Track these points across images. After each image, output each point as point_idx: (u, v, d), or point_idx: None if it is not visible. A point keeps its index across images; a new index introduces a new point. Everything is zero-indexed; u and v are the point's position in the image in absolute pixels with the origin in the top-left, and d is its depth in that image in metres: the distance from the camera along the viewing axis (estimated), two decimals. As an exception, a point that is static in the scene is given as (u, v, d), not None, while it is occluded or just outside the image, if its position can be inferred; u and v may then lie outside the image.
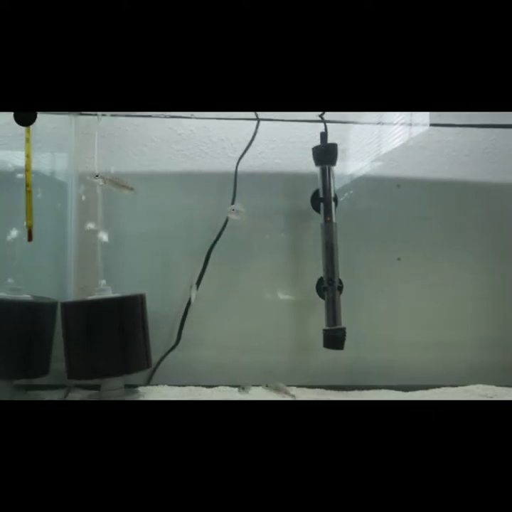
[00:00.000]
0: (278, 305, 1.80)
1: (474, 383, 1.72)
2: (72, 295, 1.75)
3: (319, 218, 1.68)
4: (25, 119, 1.45)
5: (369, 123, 1.84)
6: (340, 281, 1.66)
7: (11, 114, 1.45)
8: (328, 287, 1.64)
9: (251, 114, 1.74)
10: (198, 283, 1.76)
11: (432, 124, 1.82)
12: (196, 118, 1.79)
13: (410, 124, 1.83)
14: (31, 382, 1.66)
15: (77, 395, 1.62)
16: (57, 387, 1.67)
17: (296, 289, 1.80)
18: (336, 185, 1.70)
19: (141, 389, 1.66)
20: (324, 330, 1.63)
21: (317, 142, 1.71)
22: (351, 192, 1.83)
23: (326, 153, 1.68)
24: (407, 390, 1.66)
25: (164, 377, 1.73)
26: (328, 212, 1.65)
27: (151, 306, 1.64)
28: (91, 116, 1.73)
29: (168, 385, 1.69)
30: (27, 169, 1.46)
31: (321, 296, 1.66)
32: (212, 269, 1.77)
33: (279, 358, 1.76)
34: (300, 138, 1.82)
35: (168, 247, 1.80)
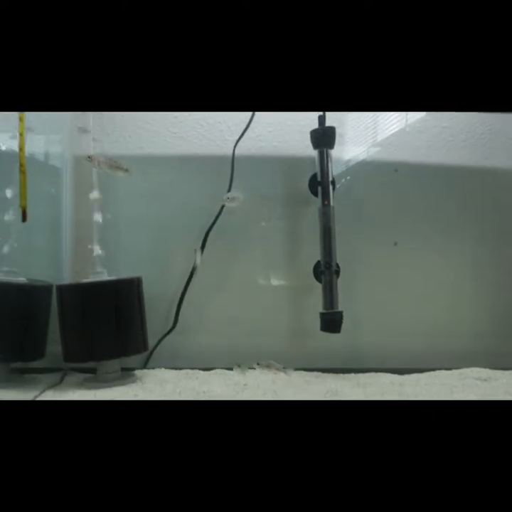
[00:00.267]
0: (275, 289, 1.80)
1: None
2: (67, 279, 1.74)
3: (317, 202, 1.68)
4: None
5: (367, 108, 1.84)
6: (338, 265, 1.66)
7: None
8: (326, 271, 1.64)
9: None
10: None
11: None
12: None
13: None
14: (27, 365, 1.66)
15: (73, 379, 1.62)
16: (53, 370, 1.67)
17: (293, 273, 1.80)
18: (333, 170, 1.70)
19: (137, 372, 1.65)
20: (321, 313, 1.63)
21: (315, 125, 1.70)
22: (348, 177, 1.83)
23: (324, 137, 1.67)
24: (403, 373, 1.67)
25: (161, 361, 1.73)
26: (325, 196, 1.65)
27: (147, 289, 1.63)
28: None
29: (165, 368, 1.69)
30: (20, 148, 1.44)
31: (318, 279, 1.66)
32: (208, 252, 1.76)
33: (276, 342, 1.76)
34: (298, 121, 1.80)
35: (165, 231, 1.79)
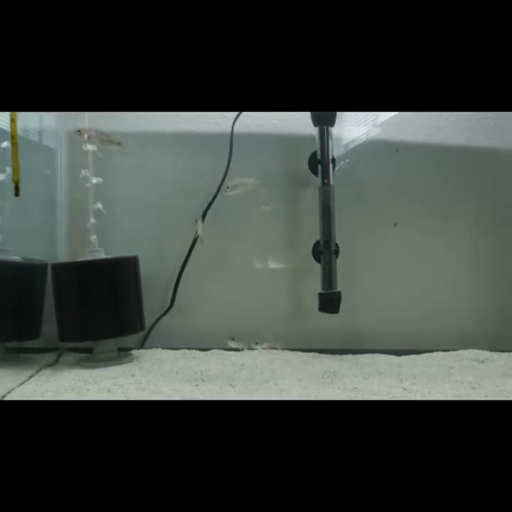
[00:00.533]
0: (273, 270, 1.79)
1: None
2: (63, 259, 1.72)
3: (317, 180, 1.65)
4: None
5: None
6: (337, 245, 1.64)
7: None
8: (325, 251, 1.62)
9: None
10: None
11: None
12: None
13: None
14: (22, 345, 1.65)
15: (70, 358, 1.61)
16: (49, 350, 1.66)
17: (292, 253, 1.78)
18: (333, 150, 1.67)
19: (134, 352, 1.64)
20: (320, 294, 1.62)
21: (315, 102, 1.66)
22: (347, 159, 1.79)
23: (324, 114, 1.64)
24: (400, 355, 1.67)
25: (158, 341, 1.72)
26: (325, 175, 1.62)
27: (144, 269, 1.61)
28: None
29: (162, 348, 1.68)
30: (12, 120, 1.39)
31: (317, 259, 1.65)
32: (205, 233, 1.73)
33: (274, 323, 1.76)
34: (298, 98, 1.76)
35: (161, 211, 1.76)
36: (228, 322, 1.73)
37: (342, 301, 1.62)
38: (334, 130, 1.68)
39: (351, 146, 1.82)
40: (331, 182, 1.63)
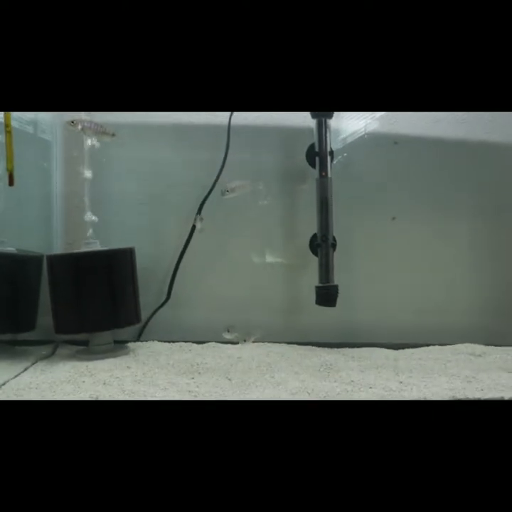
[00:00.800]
0: (270, 263, 1.78)
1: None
2: (59, 251, 1.70)
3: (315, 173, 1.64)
4: None
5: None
6: (334, 239, 1.63)
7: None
8: (322, 244, 1.61)
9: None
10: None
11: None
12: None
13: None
14: (17, 337, 1.64)
15: (66, 351, 1.60)
16: (44, 342, 1.65)
17: (289, 247, 1.77)
18: (332, 142, 1.65)
19: (130, 345, 1.64)
20: (317, 287, 1.61)
21: (314, 94, 1.64)
22: (345, 153, 1.78)
23: (322, 106, 1.62)
24: (397, 348, 1.67)
25: (154, 334, 1.72)
26: (323, 167, 1.61)
27: (141, 262, 1.60)
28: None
29: (158, 341, 1.68)
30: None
31: (315, 252, 1.64)
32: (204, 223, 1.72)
33: (271, 316, 1.75)
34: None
35: (158, 203, 1.75)
36: (225, 315, 1.72)
37: (339, 295, 1.61)
38: (332, 122, 1.67)
39: (349, 138, 1.81)
40: (329, 174, 1.62)
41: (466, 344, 1.72)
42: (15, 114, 1.48)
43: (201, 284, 1.76)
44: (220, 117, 1.73)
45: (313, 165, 1.65)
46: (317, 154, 1.62)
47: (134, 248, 1.58)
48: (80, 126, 1.45)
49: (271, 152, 1.76)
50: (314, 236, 1.65)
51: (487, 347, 1.69)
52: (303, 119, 1.71)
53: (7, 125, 1.38)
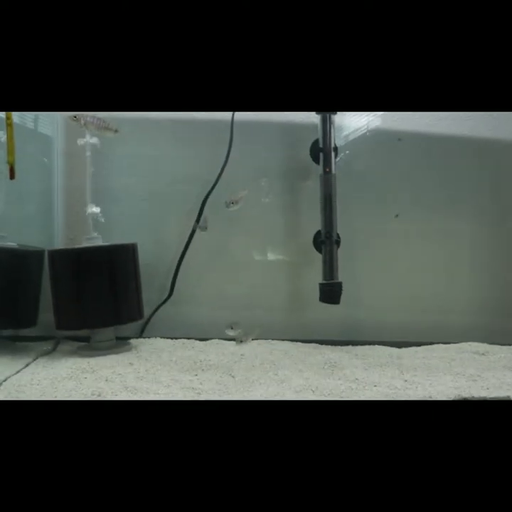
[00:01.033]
0: (274, 260, 1.77)
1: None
2: (60, 246, 1.69)
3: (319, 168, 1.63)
4: None
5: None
6: (338, 235, 1.62)
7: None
8: (326, 241, 1.60)
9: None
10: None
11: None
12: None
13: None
14: (18, 333, 1.63)
15: (67, 347, 1.59)
16: (45, 338, 1.64)
17: (292, 243, 1.76)
18: (335, 138, 1.64)
19: (133, 341, 1.63)
20: (321, 284, 1.60)
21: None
22: (350, 146, 1.77)
23: (327, 101, 1.61)
24: (400, 347, 1.66)
25: (157, 330, 1.70)
26: (327, 163, 1.60)
27: (143, 258, 1.59)
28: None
29: (161, 338, 1.66)
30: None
31: (318, 249, 1.63)
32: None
33: (274, 313, 1.74)
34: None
35: (160, 199, 1.74)
36: (228, 312, 1.71)
37: (343, 292, 1.60)
38: (336, 118, 1.65)
39: (353, 135, 1.80)
40: (333, 171, 1.61)
41: (470, 343, 1.70)
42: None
43: (204, 281, 1.76)
44: (223, 112, 1.72)
45: (317, 160, 1.63)
46: (321, 150, 1.61)
47: (136, 244, 1.57)
48: (82, 121, 1.43)
49: (273, 147, 1.75)
50: (318, 233, 1.64)
51: (491, 346, 1.68)
52: (306, 114, 1.70)
53: (8, 118, 1.37)
